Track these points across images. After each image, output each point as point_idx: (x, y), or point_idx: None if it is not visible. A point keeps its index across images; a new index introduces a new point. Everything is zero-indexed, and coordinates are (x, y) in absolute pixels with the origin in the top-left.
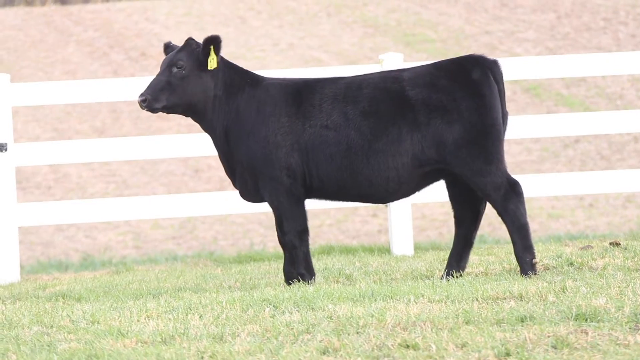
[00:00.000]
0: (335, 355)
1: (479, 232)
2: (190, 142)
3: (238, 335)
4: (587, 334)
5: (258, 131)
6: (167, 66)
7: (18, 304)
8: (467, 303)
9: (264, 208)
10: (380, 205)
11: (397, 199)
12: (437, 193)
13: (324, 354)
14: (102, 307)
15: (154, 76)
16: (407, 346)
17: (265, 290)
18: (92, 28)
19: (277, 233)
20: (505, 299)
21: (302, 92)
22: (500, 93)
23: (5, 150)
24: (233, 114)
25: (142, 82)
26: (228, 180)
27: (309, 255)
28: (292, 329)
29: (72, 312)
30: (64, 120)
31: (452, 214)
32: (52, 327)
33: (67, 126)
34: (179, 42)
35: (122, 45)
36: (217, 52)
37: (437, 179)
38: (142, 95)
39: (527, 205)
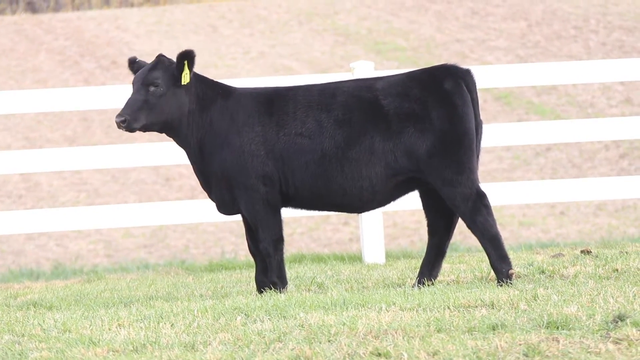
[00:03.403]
0: None
1: (451, 240)
2: (161, 151)
3: (210, 344)
4: (558, 342)
5: (232, 141)
6: (143, 85)
7: None
8: (438, 311)
9: (236, 217)
10: (353, 214)
11: (372, 208)
12: (408, 201)
13: None
14: (74, 315)
15: (125, 85)
16: (379, 354)
17: (237, 299)
18: (63, 36)
19: (247, 242)
20: (476, 307)
21: (274, 100)
22: (474, 102)
23: None
24: (207, 126)
25: (114, 90)
26: (199, 189)
27: (283, 264)
28: (264, 337)
29: (44, 321)
30: (35, 129)
31: (424, 222)
32: (23, 335)
33: (38, 135)
34: (150, 50)
35: (93, 53)
36: (190, 67)
37: (411, 189)
38: (120, 115)
39: (498, 214)
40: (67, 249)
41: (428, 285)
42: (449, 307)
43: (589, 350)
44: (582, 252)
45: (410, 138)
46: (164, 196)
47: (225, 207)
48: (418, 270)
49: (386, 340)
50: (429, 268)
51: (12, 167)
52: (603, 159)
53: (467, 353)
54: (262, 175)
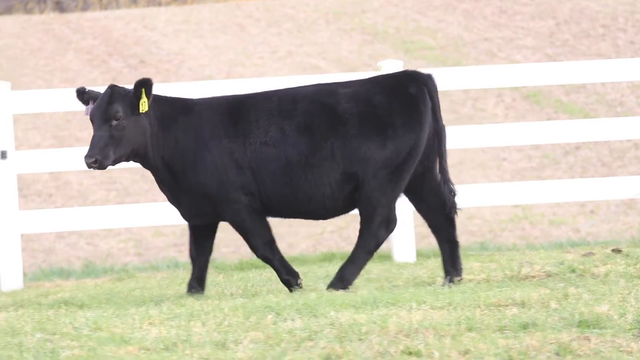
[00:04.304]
0: None
1: (481, 239)
2: None
3: (240, 342)
4: (589, 340)
5: (203, 158)
6: (104, 120)
7: (21, 311)
8: (469, 310)
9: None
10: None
11: (336, 215)
12: None
13: None
14: (105, 314)
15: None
16: (410, 353)
17: (267, 297)
18: (91, 36)
19: (190, 247)
20: (507, 305)
21: (236, 109)
22: (435, 107)
23: (6, 157)
24: (172, 145)
25: None
26: None
27: (285, 261)
28: (295, 336)
29: (75, 319)
30: (64, 127)
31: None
32: (54, 334)
33: (67, 134)
34: (177, 49)
35: (121, 52)
36: (148, 95)
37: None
38: (90, 156)
39: (528, 212)
40: (97, 248)
41: (457, 281)
42: (479, 306)
43: (621, 349)
44: (612, 250)
45: (370, 145)
46: None
47: (201, 217)
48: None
49: (417, 339)
50: (451, 264)
51: (42, 165)
52: (633, 157)
53: (498, 352)
54: (241, 186)
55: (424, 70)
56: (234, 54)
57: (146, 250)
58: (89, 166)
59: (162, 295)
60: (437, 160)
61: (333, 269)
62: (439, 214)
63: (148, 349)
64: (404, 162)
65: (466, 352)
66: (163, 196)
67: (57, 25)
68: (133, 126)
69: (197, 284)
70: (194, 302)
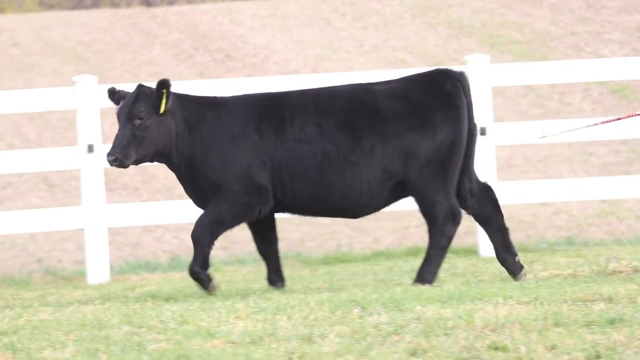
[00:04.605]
0: (424, 356)
1: (567, 234)
2: None
3: (326, 337)
4: None
5: (228, 151)
6: (128, 119)
7: (107, 304)
8: (556, 305)
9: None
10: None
11: (366, 214)
12: (524, 194)
13: (413, 355)
14: (191, 307)
15: (240, 78)
16: (496, 348)
17: (353, 292)
18: (177, 30)
19: (256, 244)
20: (594, 301)
21: (269, 106)
22: (469, 105)
23: (93, 151)
24: (197, 142)
25: (228, 83)
26: None
27: (208, 257)
28: (381, 330)
29: (161, 313)
30: None
31: (540, 215)
32: (141, 327)
33: None
34: (264, 43)
35: (207, 47)
36: (168, 96)
37: (404, 195)
38: (111, 154)
39: (615, 207)
40: (183, 241)
41: (518, 261)
42: (566, 301)
43: None
44: None
45: (410, 142)
46: None
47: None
48: (532, 263)
49: (503, 334)
50: (507, 251)
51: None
52: None
53: (585, 347)
54: (253, 185)
55: (510, 64)
56: (319, 48)
57: (232, 244)
58: (110, 164)
59: (248, 288)
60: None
61: (418, 263)
62: (487, 201)
63: (234, 343)
64: (447, 158)
65: (553, 347)
66: None
67: (144, 20)
68: (157, 126)
69: (276, 276)
70: (279, 296)
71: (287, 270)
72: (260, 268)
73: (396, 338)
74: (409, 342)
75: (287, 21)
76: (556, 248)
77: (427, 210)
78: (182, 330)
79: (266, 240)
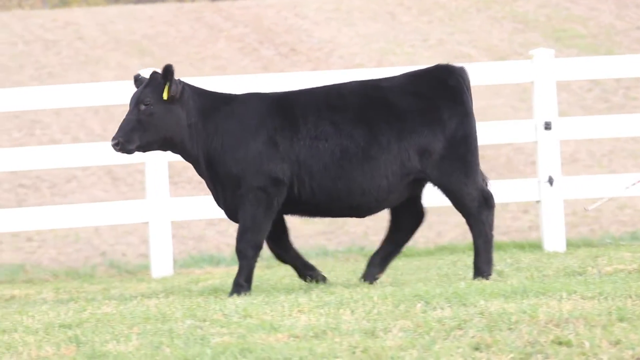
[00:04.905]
0: (487, 351)
1: (632, 229)
2: None
3: (390, 331)
4: None
5: (246, 144)
6: (135, 104)
7: (171, 298)
8: (620, 300)
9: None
10: (532, 201)
11: (379, 210)
12: (588, 189)
13: (476, 350)
14: (254, 301)
15: (304, 72)
16: (560, 343)
17: (416, 286)
18: (242, 24)
19: (271, 250)
20: None
21: (282, 104)
22: (470, 100)
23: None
24: (212, 135)
25: (293, 77)
26: None
27: (253, 269)
28: (444, 324)
29: (225, 306)
30: None
31: (605, 210)
32: (204, 320)
33: None
34: (328, 37)
35: (272, 41)
36: (170, 83)
37: (416, 190)
38: (113, 139)
39: None
40: None
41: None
42: (630, 296)
43: None
44: None
45: (424, 138)
46: None
47: (233, 214)
48: (596, 258)
49: (567, 329)
50: (380, 266)
51: None
52: None
53: None
54: (275, 179)
55: (575, 59)
56: (384, 42)
57: (295, 238)
58: (113, 148)
59: (310, 282)
60: None
61: None
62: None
63: (297, 337)
64: (464, 152)
65: (617, 342)
66: None
67: (209, 13)
68: (163, 113)
69: (308, 270)
70: (343, 290)
71: (350, 265)
72: (324, 262)
73: (459, 333)
74: (473, 337)
75: (352, 15)
76: (620, 243)
77: (458, 204)
78: (245, 324)
79: (281, 244)
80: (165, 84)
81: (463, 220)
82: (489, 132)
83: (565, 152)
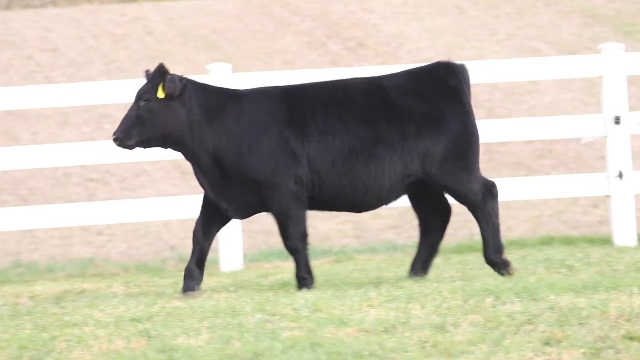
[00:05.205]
0: (557, 346)
1: None
2: None
3: (459, 325)
4: None
5: (260, 143)
6: (136, 100)
7: (241, 292)
8: None
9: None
10: (601, 196)
11: (379, 206)
12: None
13: (547, 344)
14: (324, 295)
15: (371, 66)
16: (631, 338)
17: (486, 281)
18: (310, 18)
19: (195, 229)
20: None
21: (289, 99)
22: (469, 97)
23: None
24: (220, 134)
25: (359, 72)
26: None
27: (309, 259)
28: (514, 319)
29: (294, 301)
30: None
31: None
32: (274, 315)
33: None
34: (396, 32)
35: (340, 35)
36: (164, 81)
37: (411, 189)
38: (114, 134)
39: None
40: (316, 229)
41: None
42: None
43: None
44: None
45: (427, 139)
46: None
47: (246, 210)
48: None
49: (638, 324)
50: (422, 268)
51: None
52: None
53: None
54: (294, 174)
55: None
56: (452, 36)
57: (364, 232)
58: (114, 143)
59: (380, 277)
60: None
61: (552, 252)
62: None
63: (367, 331)
64: (465, 150)
65: None
66: None
67: (276, 8)
68: (162, 110)
69: (198, 267)
70: (412, 285)
71: None
72: (393, 256)
73: (530, 327)
74: (543, 332)
75: (420, 9)
76: None
77: (462, 200)
78: (314, 318)
79: (207, 231)
80: (158, 82)
81: (533, 214)
82: (558, 127)
83: (636, 146)
